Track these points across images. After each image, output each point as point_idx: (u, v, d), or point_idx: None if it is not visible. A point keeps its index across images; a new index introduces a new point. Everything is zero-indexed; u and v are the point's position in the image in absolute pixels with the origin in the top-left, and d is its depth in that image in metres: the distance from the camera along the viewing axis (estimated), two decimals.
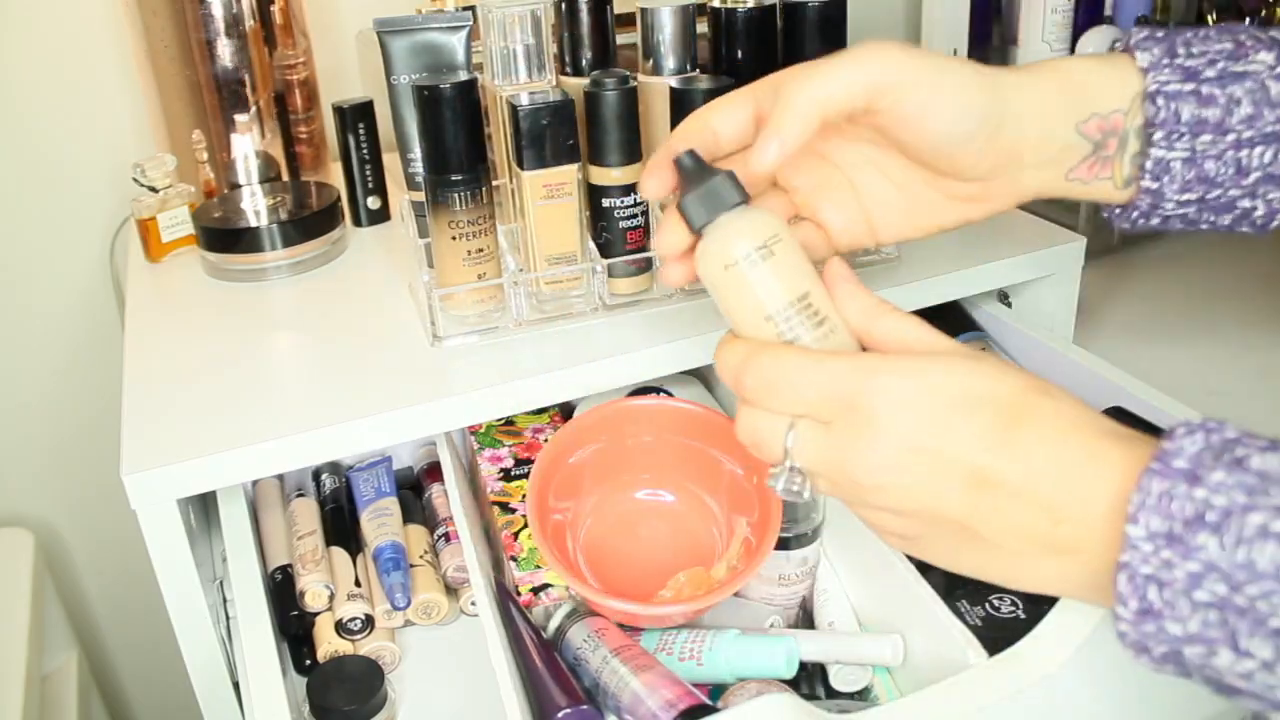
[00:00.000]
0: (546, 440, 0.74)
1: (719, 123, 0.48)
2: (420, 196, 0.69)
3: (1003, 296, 0.84)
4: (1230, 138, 0.48)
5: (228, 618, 0.67)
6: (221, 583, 0.68)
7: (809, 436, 0.42)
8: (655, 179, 0.48)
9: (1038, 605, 0.59)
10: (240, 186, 0.89)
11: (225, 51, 0.85)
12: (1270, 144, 0.49)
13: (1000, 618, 0.59)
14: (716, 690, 0.59)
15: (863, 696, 0.60)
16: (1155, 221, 0.52)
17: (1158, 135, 0.48)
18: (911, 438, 0.40)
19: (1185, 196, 0.50)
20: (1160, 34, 0.49)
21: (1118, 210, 0.52)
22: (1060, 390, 0.41)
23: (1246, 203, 0.50)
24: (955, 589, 0.60)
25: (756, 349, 0.43)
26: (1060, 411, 0.40)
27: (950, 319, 0.85)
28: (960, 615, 0.57)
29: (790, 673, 0.58)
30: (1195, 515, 0.35)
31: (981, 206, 0.51)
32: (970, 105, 0.47)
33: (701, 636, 0.60)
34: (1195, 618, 0.35)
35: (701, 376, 0.80)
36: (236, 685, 0.64)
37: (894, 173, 0.51)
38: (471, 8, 0.76)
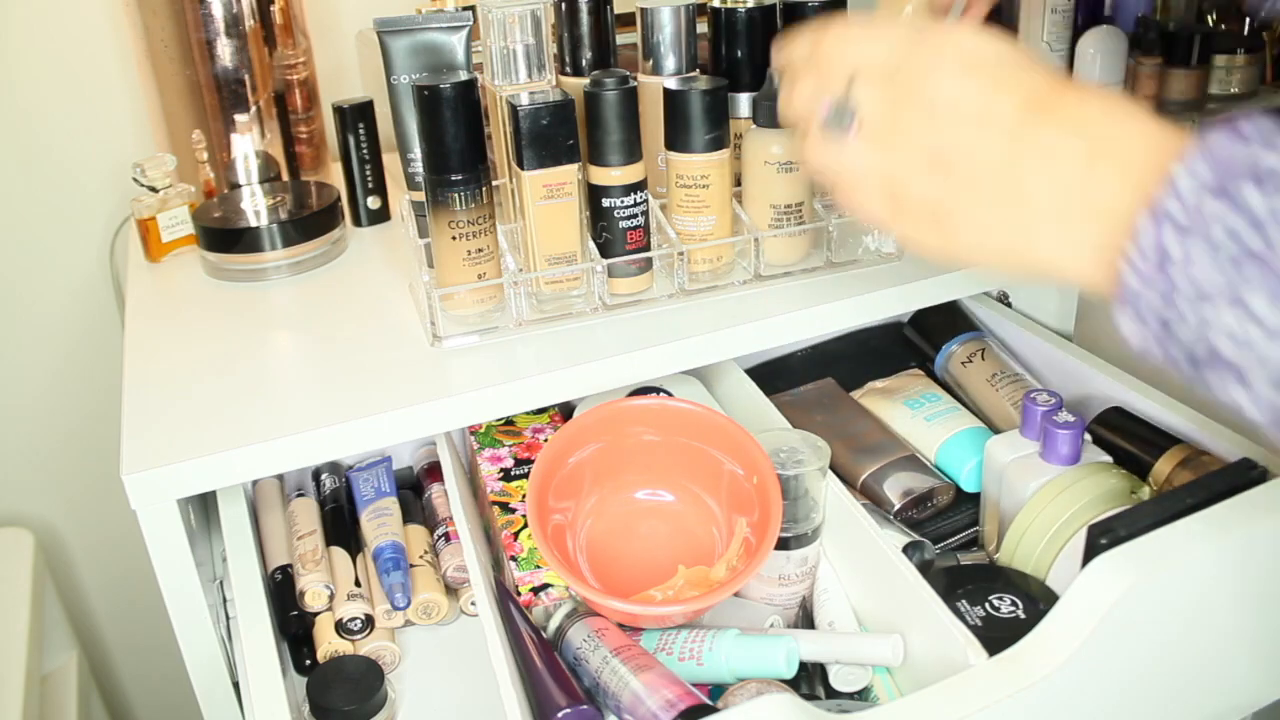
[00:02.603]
0: (546, 440, 0.74)
1: None
2: (420, 196, 0.69)
3: (1003, 296, 0.84)
4: None
5: (228, 617, 0.67)
6: (221, 583, 0.68)
7: (874, 72, 0.44)
8: None
9: (1037, 606, 0.59)
10: (240, 186, 0.89)
11: (225, 51, 0.85)
12: None
13: (1000, 618, 0.59)
14: (716, 690, 0.59)
15: (862, 696, 0.60)
16: None
17: None
18: (976, 55, 0.42)
19: None
20: None
21: None
22: None
23: None
24: (955, 589, 0.60)
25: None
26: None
27: (950, 319, 0.85)
28: (960, 615, 0.57)
29: (790, 673, 0.58)
30: (1248, 170, 0.33)
31: None
32: None
33: (701, 636, 0.60)
34: (1214, 268, 0.33)
35: (701, 376, 0.80)
36: (236, 685, 0.64)
37: None
38: (471, 8, 0.76)
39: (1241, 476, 0.60)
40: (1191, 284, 0.34)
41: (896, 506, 0.72)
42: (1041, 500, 0.64)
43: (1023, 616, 0.58)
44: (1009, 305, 0.84)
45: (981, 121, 0.41)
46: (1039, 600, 0.60)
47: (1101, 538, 0.55)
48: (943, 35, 0.43)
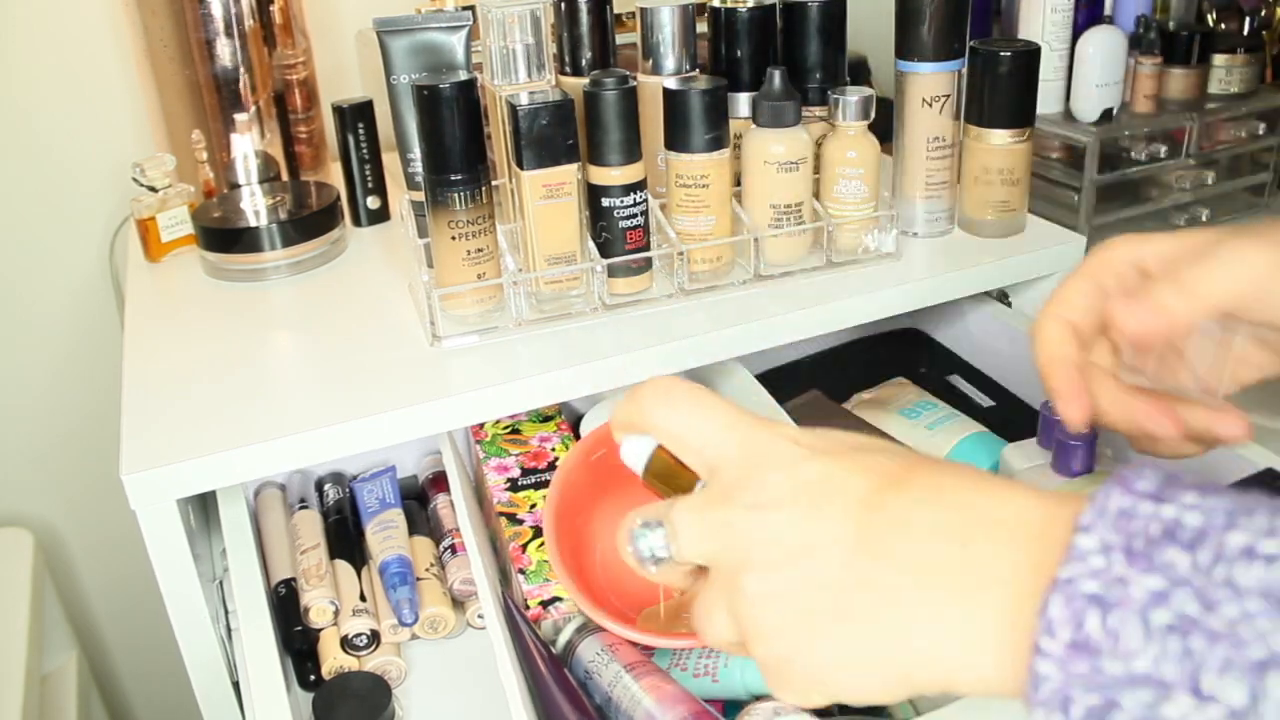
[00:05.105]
0: (554, 449, 0.74)
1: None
2: (420, 196, 0.69)
3: (1002, 296, 0.84)
4: None
5: (226, 613, 0.67)
6: (221, 583, 0.68)
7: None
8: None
9: None
10: (240, 186, 0.89)
11: (225, 51, 0.85)
12: None
13: None
14: (731, 706, 0.58)
15: (878, 713, 0.59)
16: None
17: None
18: (802, 454, 0.37)
19: None
20: None
21: None
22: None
23: None
24: None
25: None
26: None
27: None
28: None
29: None
30: (1163, 533, 0.29)
31: None
32: None
33: (716, 653, 0.59)
34: (1148, 650, 0.27)
35: (710, 382, 0.80)
36: (236, 685, 0.64)
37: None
38: (471, 7, 0.76)
39: (1265, 488, 0.59)
40: (1127, 669, 0.28)
41: None
42: None
43: None
44: (1008, 304, 0.83)
45: (826, 497, 0.35)
46: None
47: None
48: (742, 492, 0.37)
